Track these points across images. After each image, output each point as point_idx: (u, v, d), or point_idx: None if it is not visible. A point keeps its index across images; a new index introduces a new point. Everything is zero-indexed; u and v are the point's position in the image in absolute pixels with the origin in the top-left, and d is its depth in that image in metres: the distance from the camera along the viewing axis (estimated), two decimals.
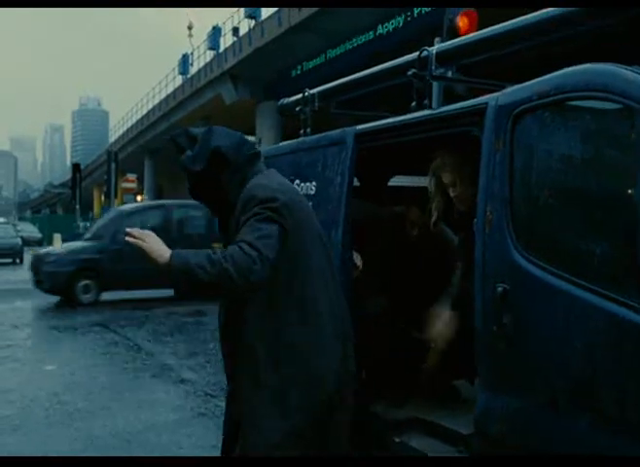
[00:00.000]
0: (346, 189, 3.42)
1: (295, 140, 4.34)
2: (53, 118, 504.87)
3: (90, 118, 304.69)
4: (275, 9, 22.52)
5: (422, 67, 3.33)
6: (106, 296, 12.32)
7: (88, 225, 47.11)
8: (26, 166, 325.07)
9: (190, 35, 33.79)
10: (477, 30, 8.95)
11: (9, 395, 5.99)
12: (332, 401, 2.30)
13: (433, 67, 3.32)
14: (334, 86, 4.45)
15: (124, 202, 29.83)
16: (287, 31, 21.50)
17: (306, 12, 20.11)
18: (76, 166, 27.29)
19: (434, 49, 3.44)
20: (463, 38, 3.68)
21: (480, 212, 2.63)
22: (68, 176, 72.01)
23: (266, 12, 24.10)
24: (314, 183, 3.71)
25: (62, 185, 70.42)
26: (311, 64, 22.64)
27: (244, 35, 25.33)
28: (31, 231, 43.88)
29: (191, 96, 31.06)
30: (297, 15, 20.74)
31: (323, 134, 3.86)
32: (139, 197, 46.15)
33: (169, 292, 12.35)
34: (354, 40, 20.06)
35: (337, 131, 3.69)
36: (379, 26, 18.93)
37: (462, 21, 8.67)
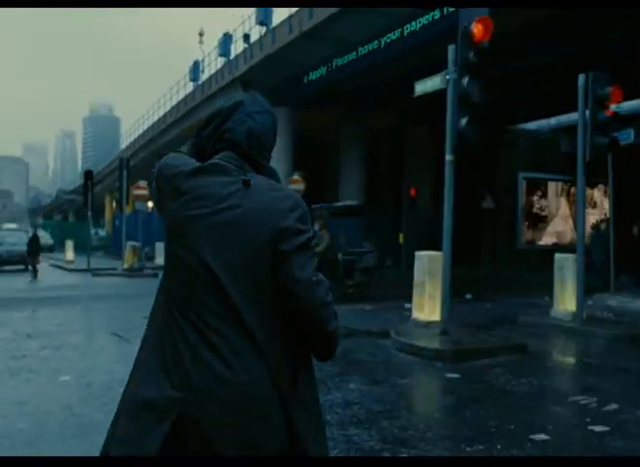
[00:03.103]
0: None
1: None
2: (64, 124, 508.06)
3: (102, 124, 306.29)
4: (286, 16, 22.55)
5: None
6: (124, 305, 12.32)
7: (101, 232, 47.45)
8: (38, 172, 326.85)
9: (201, 42, 33.90)
10: (491, 37, 8.91)
11: (23, 407, 5.95)
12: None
13: None
14: None
15: (135, 209, 29.86)
16: (298, 38, 21.52)
17: (317, 18, 20.12)
18: (88, 173, 27.38)
19: None
20: None
21: None
22: (79, 182, 72.28)
23: (277, 18, 24.16)
24: None
25: (74, 191, 70.67)
26: (323, 71, 22.63)
27: (255, 42, 25.36)
28: (43, 237, 44.08)
29: (202, 103, 31.11)
30: (307, 21, 20.76)
31: None
32: (150, 204, 46.27)
33: None
34: (364, 47, 20.03)
35: None
36: (389, 33, 18.90)
37: (477, 28, 8.65)
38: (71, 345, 9.07)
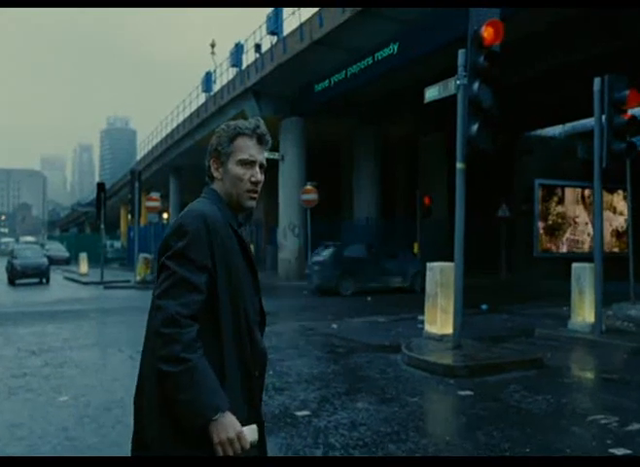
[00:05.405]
0: None
1: None
2: (82, 138, 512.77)
3: (118, 137, 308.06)
4: (297, 25, 22.39)
5: None
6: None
7: (116, 244, 47.48)
8: (55, 185, 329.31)
9: (213, 53, 33.81)
10: (502, 40, 8.62)
11: (18, 430, 5.74)
12: None
13: None
14: None
15: (148, 221, 29.80)
16: (309, 46, 21.35)
17: (328, 26, 19.93)
18: (100, 186, 27.33)
19: None
20: None
21: None
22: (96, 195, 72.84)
23: (288, 27, 24.03)
24: None
25: (89, 204, 71.02)
26: (334, 79, 22.46)
27: (266, 51, 25.24)
28: (59, 249, 44.22)
29: (214, 114, 31.00)
30: (319, 29, 20.58)
31: None
32: (165, 215, 46.31)
33: None
34: (375, 55, 19.83)
35: None
36: (401, 40, 18.69)
37: (487, 32, 8.36)
38: (74, 363, 8.85)
